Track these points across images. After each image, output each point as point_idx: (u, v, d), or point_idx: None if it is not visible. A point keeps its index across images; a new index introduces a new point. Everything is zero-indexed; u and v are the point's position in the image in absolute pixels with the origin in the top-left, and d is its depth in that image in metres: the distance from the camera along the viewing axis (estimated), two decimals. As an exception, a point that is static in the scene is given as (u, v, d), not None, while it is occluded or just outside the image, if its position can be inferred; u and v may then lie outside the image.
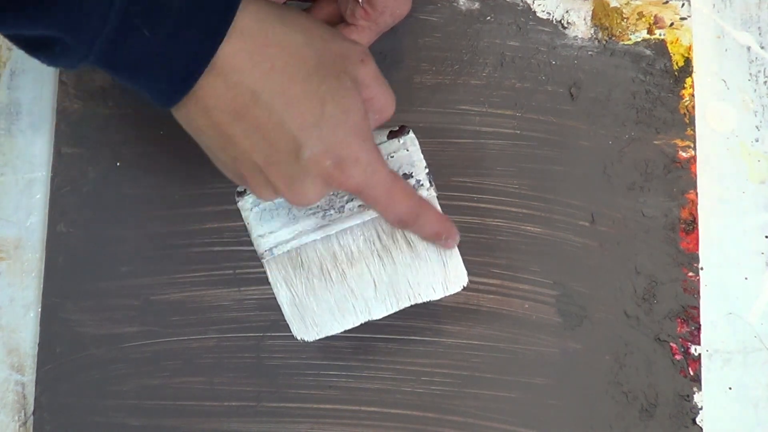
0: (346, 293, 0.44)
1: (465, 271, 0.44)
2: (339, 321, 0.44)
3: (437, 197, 0.44)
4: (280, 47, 0.36)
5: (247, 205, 0.44)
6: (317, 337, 0.44)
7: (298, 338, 0.44)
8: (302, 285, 0.44)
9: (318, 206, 0.44)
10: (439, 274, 0.44)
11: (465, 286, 0.44)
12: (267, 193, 0.39)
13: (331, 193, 0.43)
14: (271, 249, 0.44)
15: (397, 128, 0.44)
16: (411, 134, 0.44)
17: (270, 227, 0.44)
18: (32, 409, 0.50)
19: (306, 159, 0.37)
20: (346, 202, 0.44)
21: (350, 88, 0.38)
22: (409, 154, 0.44)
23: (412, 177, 0.44)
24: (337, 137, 0.37)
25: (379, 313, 0.44)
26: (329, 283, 0.44)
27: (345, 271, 0.44)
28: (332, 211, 0.44)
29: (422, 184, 0.44)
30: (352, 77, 0.38)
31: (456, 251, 0.44)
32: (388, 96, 0.40)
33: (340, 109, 0.37)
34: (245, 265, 0.50)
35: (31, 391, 0.50)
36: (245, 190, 0.44)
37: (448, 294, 0.44)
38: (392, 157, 0.44)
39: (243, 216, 0.44)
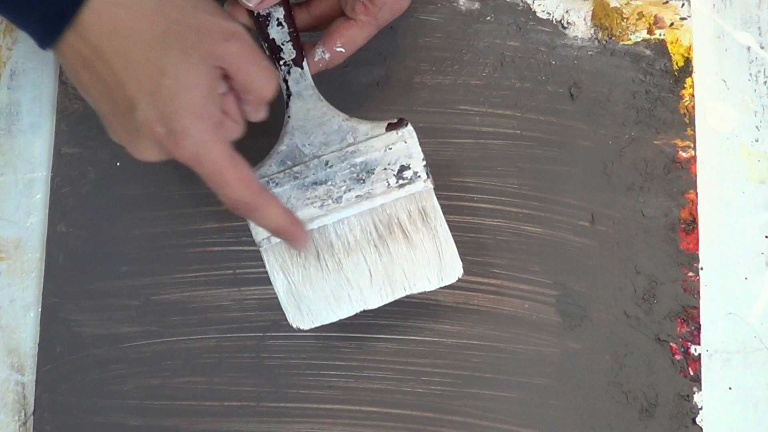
0: (342, 282, 0.44)
1: (460, 263, 0.44)
2: (334, 310, 0.44)
3: (434, 189, 0.44)
4: (128, 9, 0.38)
5: None
6: (312, 326, 0.45)
7: (294, 326, 0.45)
8: (299, 273, 0.44)
9: (316, 196, 0.44)
10: (434, 265, 0.44)
11: (460, 277, 0.44)
12: (117, 137, 0.41)
13: (327, 181, 0.44)
14: (269, 237, 0.44)
15: (396, 120, 0.44)
16: (409, 126, 0.44)
17: None
18: (32, 409, 0.50)
19: (139, 121, 0.38)
20: (344, 193, 0.44)
21: (196, 64, 0.38)
22: (407, 146, 0.44)
23: (410, 169, 0.44)
24: (170, 109, 0.38)
25: (374, 302, 0.44)
26: (325, 272, 0.44)
27: (341, 260, 0.44)
28: (330, 202, 0.44)
29: (419, 176, 0.44)
30: (205, 54, 0.38)
31: (451, 242, 0.44)
32: (262, 77, 0.40)
33: (179, 83, 0.38)
34: (245, 265, 0.50)
35: (31, 391, 0.50)
36: None
37: (443, 285, 0.44)
38: (390, 149, 0.44)
39: None
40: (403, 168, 0.44)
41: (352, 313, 0.45)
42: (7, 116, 0.53)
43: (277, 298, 0.45)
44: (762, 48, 0.53)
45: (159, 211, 0.51)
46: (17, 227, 0.52)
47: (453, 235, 0.44)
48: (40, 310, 0.51)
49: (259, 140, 0.51)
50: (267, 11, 0.44)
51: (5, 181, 0.53)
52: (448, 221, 0.45)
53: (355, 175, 0.44)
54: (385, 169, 0.44)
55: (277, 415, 0.49)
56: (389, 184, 0.44)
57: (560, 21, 0.53)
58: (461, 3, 0.53)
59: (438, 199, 0.44)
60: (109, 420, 0.50)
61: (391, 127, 0.44)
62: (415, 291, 0.44)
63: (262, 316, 0.50)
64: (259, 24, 0.44)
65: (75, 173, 0.52)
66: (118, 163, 0.52)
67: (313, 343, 0.49)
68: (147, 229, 0.51)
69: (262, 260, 0.45)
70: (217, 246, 0.51)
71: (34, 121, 0.53)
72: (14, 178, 0.53)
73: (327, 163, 0.44)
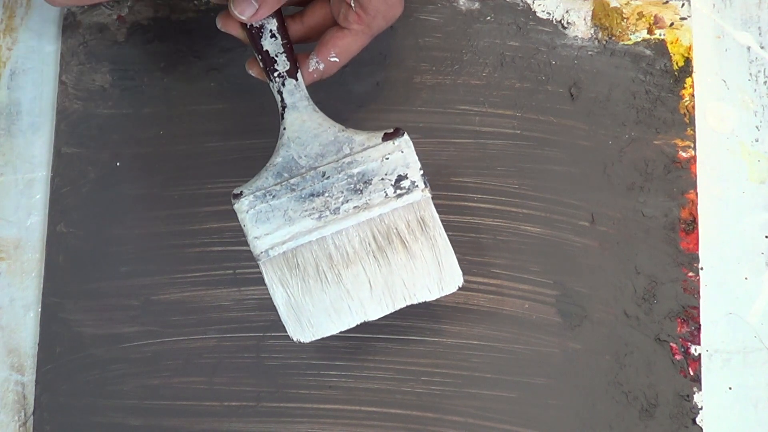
0: (341, 294, 0.44)
1: (460, 272, 0.44)
2: (335, 322, 0.44)
3: (431, 198, 0.44)
4: None
5: (243, 207, 0.44)
6: (313, 338, 0.45)
7: (294, 339, 0.45)
8: (298, 286, 0.44)
9: (313, 208, 0.44)
10: (434, 275, 0.44)
11: (460, 286, 0.44)
12: None
13: (324, 192, 0.44)
14: (267, 250, 0.44)
15: (392, 130, 0.44)
16: (405, 136, 0.44)
17: (266, 229, 0.44)
18: (32, 409, 0.50)
19: None
20: (342, 204, 0.44)
21: None
22: (403, 155, 0.44)
23: (407, 178, 0.44)
24: None
25: (374, 313, 0.44)
26: (325, 284, 0.44)
27: (340, 272, 0.44)
28: (328, 213, 0.44)
29: (417, 186, 0.44)
30: None
31: (451, 252, 0.44)
32: None
33: None
34: (245, 265, 0.50)
35: (31, 391, 0.50)
36: (241, 192, 0.44)
37: (443, 294, 0.44)
38: (387, 159, 0.44)
39: (239, 218, 0.44)
40: (401, 178, 0.44)
41: (353, 325, 0.44)
42: (7, 116, 0.53)
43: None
44: (762, 48, 0.53)
45: (159, 211, 0.51)
46: (17, 227, 0.52)
47: (453, 236, 0.44)
48: (40, 310, 0.51)
49: (254, 151, 0.51)
50: (260, 23, 0.44)
51: (5, 181, 0.53)
52: (447, 221, 0.44)
53: (352, 185, 0.44)
54: (382, 179, 0.44)
55: (277, 415, 0.49)
56: (387, 195, 0.44)
57: (560, 21, 0.53)
58: (461, 3, 0.53)
59: (438, 199, 0.44)
60: (109, 420, 0.50)
61: (387, 137, 0.44)
62: (415, 301, 0.44)
63: (262, 316, 0.50)
64: (252, 36, 0.44)
65: (75, 173, 0.52)
66: (118, 163, 0.52)
67: (312, 343, 0.49)
68: (147, 229, 0.51)
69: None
70: (217, 246, 0.51)
71: (34, 121, 0.53)
72: (14, 178, 0.53)
73: (324, 174, 0.44)
